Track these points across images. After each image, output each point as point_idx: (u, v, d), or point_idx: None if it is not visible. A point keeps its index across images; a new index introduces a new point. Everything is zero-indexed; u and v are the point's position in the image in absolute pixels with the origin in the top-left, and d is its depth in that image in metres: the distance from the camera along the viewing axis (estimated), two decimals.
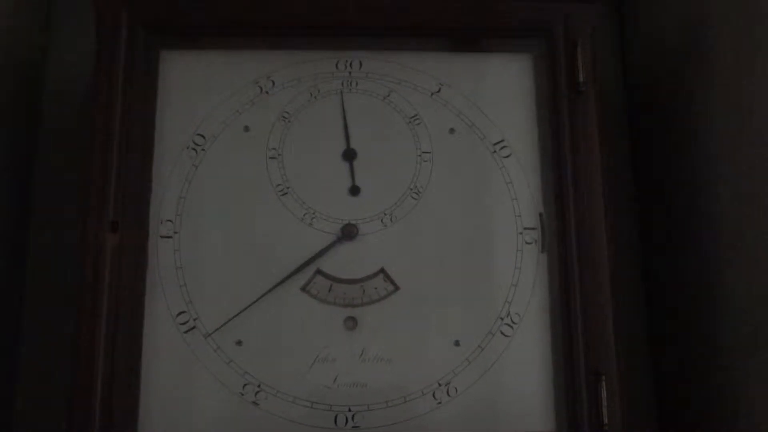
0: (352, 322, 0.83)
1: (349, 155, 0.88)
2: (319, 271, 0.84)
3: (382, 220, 0.86)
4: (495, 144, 0.89)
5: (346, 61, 0.91)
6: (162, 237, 0.84)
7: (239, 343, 0.82)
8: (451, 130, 0.89)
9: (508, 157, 0.89)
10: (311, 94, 0.90)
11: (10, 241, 0.97)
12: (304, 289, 0.83)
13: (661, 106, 1.02)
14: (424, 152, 0.89)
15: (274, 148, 0.88)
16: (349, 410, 0.80)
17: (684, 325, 0.95)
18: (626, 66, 1.11)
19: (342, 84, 0.90)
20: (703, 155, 0.93)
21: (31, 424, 0.96)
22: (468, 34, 0.92)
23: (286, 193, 0.86)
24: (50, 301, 0.98)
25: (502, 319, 0.84)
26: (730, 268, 0.87)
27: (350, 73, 0.91)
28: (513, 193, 0.87)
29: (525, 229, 0.86)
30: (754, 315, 0.83)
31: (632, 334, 0.99)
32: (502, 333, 0.83)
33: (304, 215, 0.86)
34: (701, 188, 0.93)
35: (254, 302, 0.81)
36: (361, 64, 0.91)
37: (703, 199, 0.92)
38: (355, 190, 0.86)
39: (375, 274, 0.84)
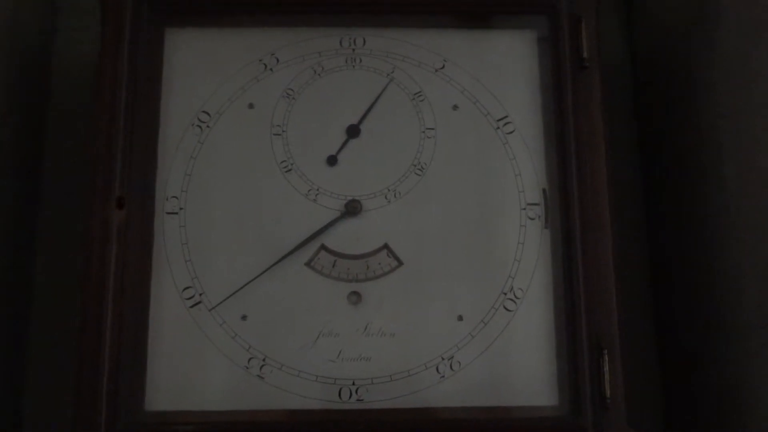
0: (356, 297, 0.83)
1: (352, 132, 0.88)
2: (323, 247, 0.85)
3: (385, 196, 0.86)
4: (498, 120, 0.89)
5: (350, 38, 0.91)
6: (168, 213, 0.85)
7: (244, 317, 0.82)
8: (455, 107, 0.90)
9: (511, 133, 0.89)
10: (315, 71, 0.90)
11: (20, 224, 0.98)
12: (308, 264, 0.84)
13: (667, 82, 1.01)
14: (427, 128, 0.89)
15: (278, 125, 0.88)
16: (353, 384, 0.81)
17: (690, 299, 0.95)
18: (632, 42, 1.11)
19: (346, 61, 0.90)
20: (708, 130, 0.92)
21: (39, 402, 0.97)
22: (473, 10, 0.92)
23: (290, 170, 0.87)
24: (60, 284, 0.98)
25: (505, 294, 0.84)
26: (736, 242, 0.87)
27: (354, 50, 0.91)
28: (516, 168, 0.87)
29: (528, 204, 0.86)
30: (760, 287, 0.83)
31: (636, 309, 0.99)
32: (505, 308, 0.83)
33: (308, 191, 0.86)
34: (707, 163, 0.92)
35: (257, 277, 0.82)
36: (365, 41, 0.91)
37: (709, 174, 0.92)
38: (331, 160, 0.87)
39: (379, 250, 0.85)
